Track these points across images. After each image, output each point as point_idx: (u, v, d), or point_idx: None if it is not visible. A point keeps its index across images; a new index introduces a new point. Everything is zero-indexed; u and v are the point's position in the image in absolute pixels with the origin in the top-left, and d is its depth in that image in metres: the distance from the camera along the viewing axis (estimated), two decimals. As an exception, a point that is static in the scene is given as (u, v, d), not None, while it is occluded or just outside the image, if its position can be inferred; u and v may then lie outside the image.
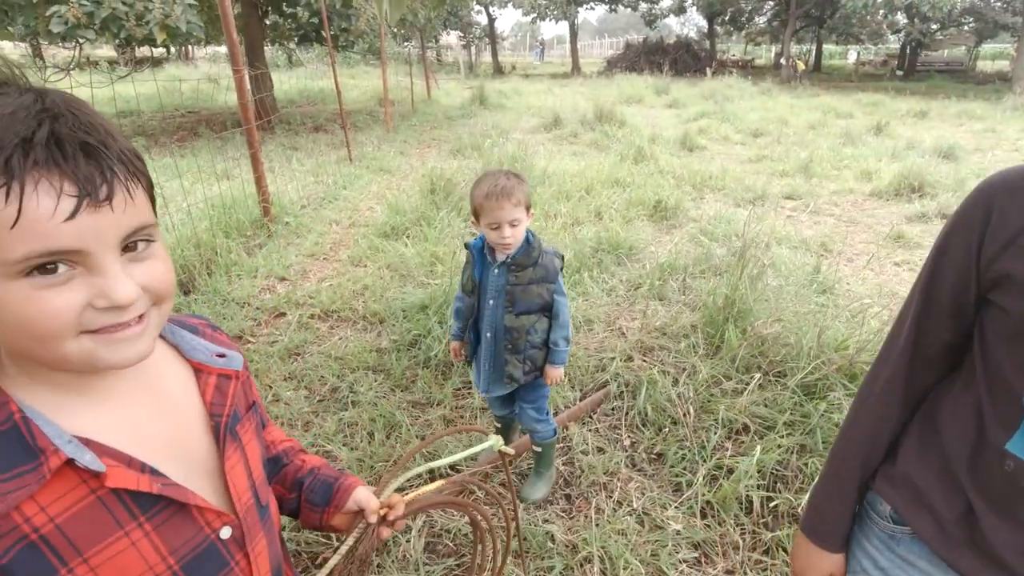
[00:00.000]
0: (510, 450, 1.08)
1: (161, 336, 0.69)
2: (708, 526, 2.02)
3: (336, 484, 0.87)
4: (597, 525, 2.01)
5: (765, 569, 1.87)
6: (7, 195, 0.46)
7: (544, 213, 5.06)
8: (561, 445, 2.41)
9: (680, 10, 33.78)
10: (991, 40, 30.12)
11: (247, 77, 4.49)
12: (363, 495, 0.86)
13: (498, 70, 30.19)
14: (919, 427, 0.90)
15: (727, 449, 2.31)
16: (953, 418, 0.83)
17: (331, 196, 5.83)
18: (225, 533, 0.65)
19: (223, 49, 22.38)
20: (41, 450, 0.52)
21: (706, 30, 33.31)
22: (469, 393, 2.71)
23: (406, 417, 2.51)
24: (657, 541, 1.95)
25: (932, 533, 0.85)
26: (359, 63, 25.27)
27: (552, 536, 1.96)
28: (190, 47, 26.10)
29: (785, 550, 1.91)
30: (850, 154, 8.06)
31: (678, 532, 1.99)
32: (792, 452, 2.23)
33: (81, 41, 7.45)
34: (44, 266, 0.49)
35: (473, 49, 35.96)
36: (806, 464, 2.18)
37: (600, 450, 2.38)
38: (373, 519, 0.84)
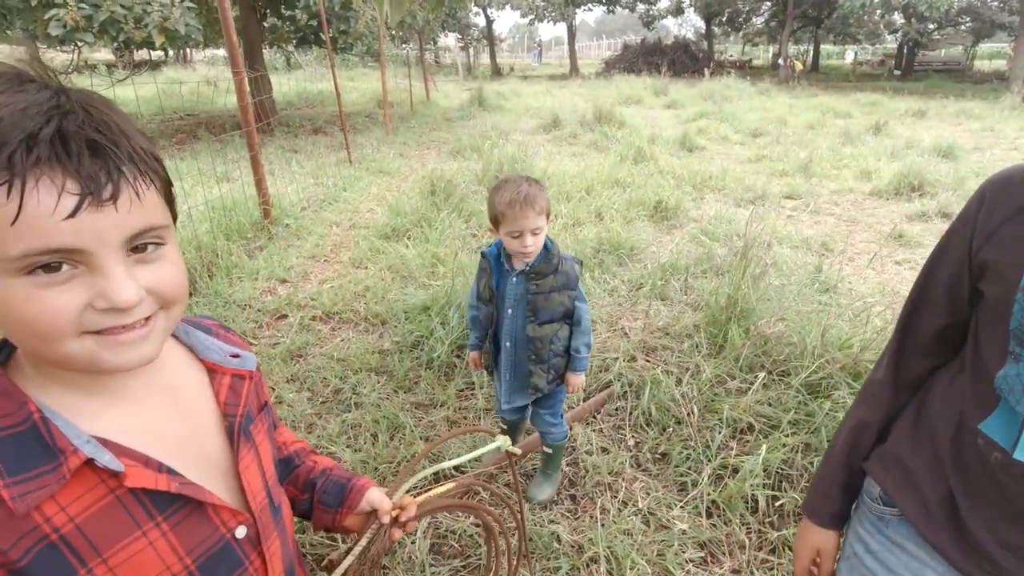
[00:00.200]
0: (517, 450, 1.07)
1: (175, 336, 0.69)
2: (714, 526, 2.01)
3: (349, 485, 0.87)
4: (603, 525, 2.01)
5: (772, 568, 1.86)
6: (8, 191, 0.45)
7: (545, 214, 5.05)
8: (565, 446, 2.40)
9: (678, 11, 33.84)
10: (988, 40, 30.22)
11: (246, 79, 4.48)
12: (376, 496, 0.86)
13: (496, 72, 30.21)
14: (914, 411, 0.93)
15: (732, 448, 2.31)
16: (944, 403, 0.86)
17: (331, 198, 5.83)
18: (240, 532, 0.65)
19: (221, 52, 22.39)
20: (60, 450, 0.52)
21: (704, 31, 33.37)
22: (472, 394, 2.71)
23: (409, 418, 2.51)
24: (663, 541, 1.95)
25: (918, 514, 0.87)
26: (357, 65, 25.28)
27: (558, 536, 1.96)
28: (188, 50, 26.11)
29: (791, 549, 1.90)
30: (849, 153, 8.07)
31: (684, 532, 1.99)
32: (797, 451, 2.23)
33: (80, 44, 7.46)
34: (48, 264, 0.48)
35: (471, 51, 36.01)
36: (811, 463, 2.18)
37: (604, 450, 2.37)
38: (386, 520, 0.84)
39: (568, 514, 2.09)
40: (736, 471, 2.18)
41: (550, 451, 2.14)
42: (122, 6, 6.79)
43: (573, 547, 1.93)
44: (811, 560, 1.05)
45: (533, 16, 31.20)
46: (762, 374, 2.56)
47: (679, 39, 31.37)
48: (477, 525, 2.01)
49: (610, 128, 9.29)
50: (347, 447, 2.36)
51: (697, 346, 2.90)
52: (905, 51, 27.24)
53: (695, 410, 2.47)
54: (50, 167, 0.46)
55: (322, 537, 1.93)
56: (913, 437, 0.91)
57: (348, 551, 0.83)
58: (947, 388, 0.87)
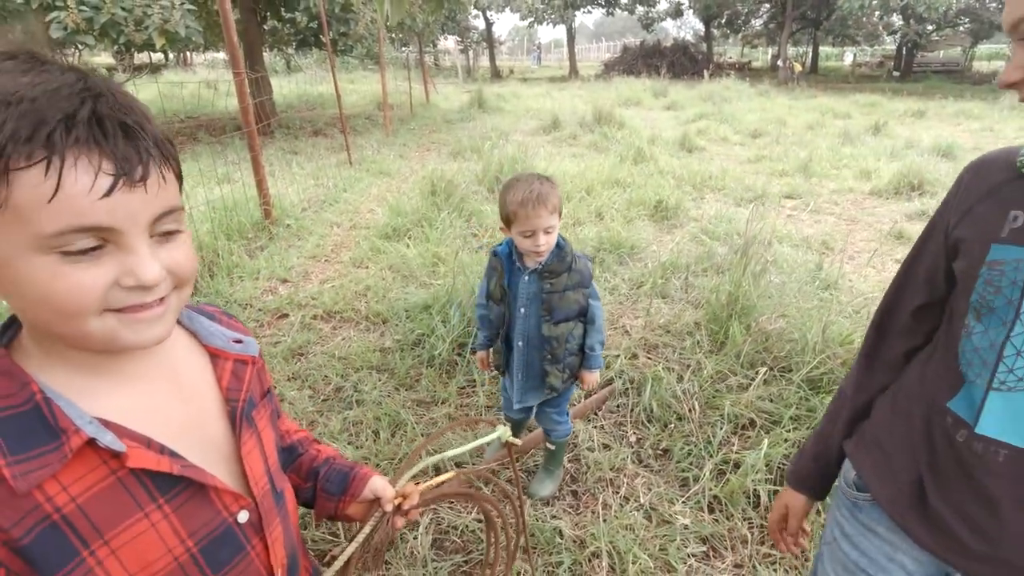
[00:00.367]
0: (517, 441, 1.08)
1: (178, 322, 0.69)
2: (716, 520, 2.01)
3: (352, 473, 0.87)
4: (604, 520, 2.01)
5: (774, 562, 1.86)
6: (47, 169, 0.46)
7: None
8: (568, 442, 2.40)
9: (677, 13, 33.93)
10: (987, 40, 30.26)
11: (246, 80, 4.49)
12: (379, 484, 0.86)
13: (496, 74, 30.28)
14: (892, 393, 0.96)
15: (733, 444, 2.31)
16: (920, 385, 0.89)
17: (332, 199, 5.83)
18: (243, 517, 0.65)
19: (221, 55, 22.44)
20: (62, 430, 0.52)
21: (703, 33, 33.44)
22: (473, 391, 2.71)
23: (411, 415, 2.51)
24: (665, 536, 1.95)
25: (888, 497, 0.90)
26: (357, 68, 25.33)
27: (560, 531, 1.96)
28: (188, 53, 26.16)
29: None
30: (849, 153, 8.08)
31: (686, 527, 1.98)
32: (798, 446, 2.22)
33: (80, 47, 7.47)
34: (78, 242, 0.49)
35: (471, 54, 36.08)
36: (813, 458, 2.17)
37: (606, 447, 2.37)
38: (389, 508, 0.84)
39: (570, 510, 2.09)
40: (738, 466, 2.18)
41: (553, 447, 2.14)
42: (123, 8, 6.81)
43: (575, 542, 1.93)
44: (781, 515, 1.14)
45: (532, 19, 31.27)
46: (763, 370, 2.56)
47: (678, 41, 31.44)
48: (479, 520, 2.01)
49: (610, 129, 9.30)
50: (348, 444, 2.37)
51: (698, 343, 2.90)
52: (904, 52, 27.29)
53: (696, 406, 2.47)
54: (87, 147, 0.48)
55: (324, 532, 1.94)
56: (890, 419, 0.94)
57: (352, 540, 0.83)
58: (923, 370, 0.90)
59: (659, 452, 2.35)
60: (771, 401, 2.46)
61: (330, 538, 1.92)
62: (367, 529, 0.82)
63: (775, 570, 1.83)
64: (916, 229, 5.04)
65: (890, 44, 31.13)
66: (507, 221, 1.77)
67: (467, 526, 1.99)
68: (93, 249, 0.50)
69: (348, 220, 5.29)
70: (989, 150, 0.85)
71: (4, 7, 6.89)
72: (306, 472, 0.88)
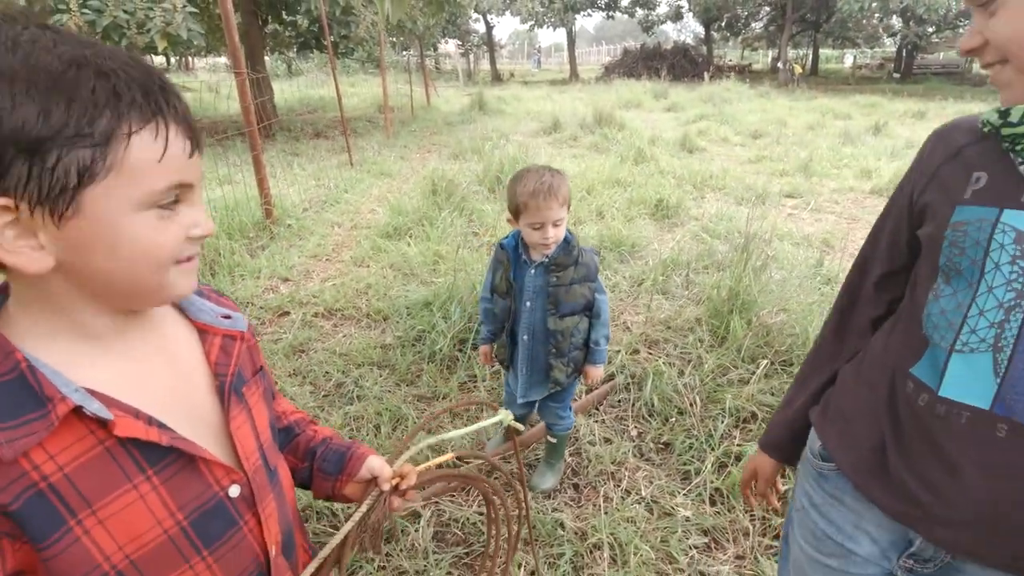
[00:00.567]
0: (519, 426, 1.07)
1: None
2: (718, 512, 2.01)
3: (349, 452, 0.86)
4: (606, 513, 2.01)
5: (775, 554, 1.85)
6: (156, 132, 0.52)
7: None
8: (569, 436, 2.40)
9: (677, 16, 34.03)
10: (987, 42, 30.19)
11: (247, 81, 4.51)
12: (376, 463, 0.86)
13: (496, 77, 30.36)
14: (857, 362, 0.97)
15: (735, 437, 2.31)
16: (884, 353, 0.90)
17: (333, 199, 5.84)
18: (234, 491, 0.64)
19: (223, 60, 22.51)
20: (48, 398, 0.51)
21: (703, 36, 33.51)
22: (474, 386, 2.71)
23: (412, 410, 2.51)
24: (667, 528, 1.94)
25: (851, 464, 0.91)
26: (358, 72, 25.40)
27: (562, 523, 1.95)
28: (190, 58, 26.26)
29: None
30: (849, 153, 8.09)
31: (687, 519, 1.98)
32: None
33: (83, 50, 7.47)
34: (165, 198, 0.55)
35: (471, 57, 36.17)
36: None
37: (607, 440, 2.37)
38: (386, 487, 0.83)
39: (571, 502, 2.09)
40: (739, 459, 2.17)
41: (554, 440, 2.14)
42: (125, 11, 6.83)
43: (576, 533, 1.93)
44: (750, 477, 1.18)
45: (533, 22, 31.37)
46: (764, 363, 2.56)
47: (678, 44, 31.52)
48: (480, 513, 2.01)
49: (610, 130, 9.31)
50: (350, 438, 2.36)
51: (700, 339, 2.90)
52: (904, 54, 27.33)
53: (697, 400, 2.47)
54: (175, 114, 0.54)
55: (325, 525, 1.93)
56: (854, 388, 0.95)
57: (349, 519, 0.82)
58: (887, 339, 0.91)
59: (660, 446, 2.35)
60: (772, 394, 2.46)
61: (330, 531, 1.92)
62: (363, 508, 0.81)
63: (776, 561, 1.83)
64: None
65: (890, 46, 31.18)
66: (516, 212, 1.76)
67: (468, 518, 1.98)
68: (173, 203, 0.56)
69: (349, 220, 5.30)
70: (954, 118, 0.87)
71: (5, 11, 6.91)
72: (303, 452, 0.87)
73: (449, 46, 36.69)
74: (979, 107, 13.20)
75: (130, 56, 0.52)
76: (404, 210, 5.03)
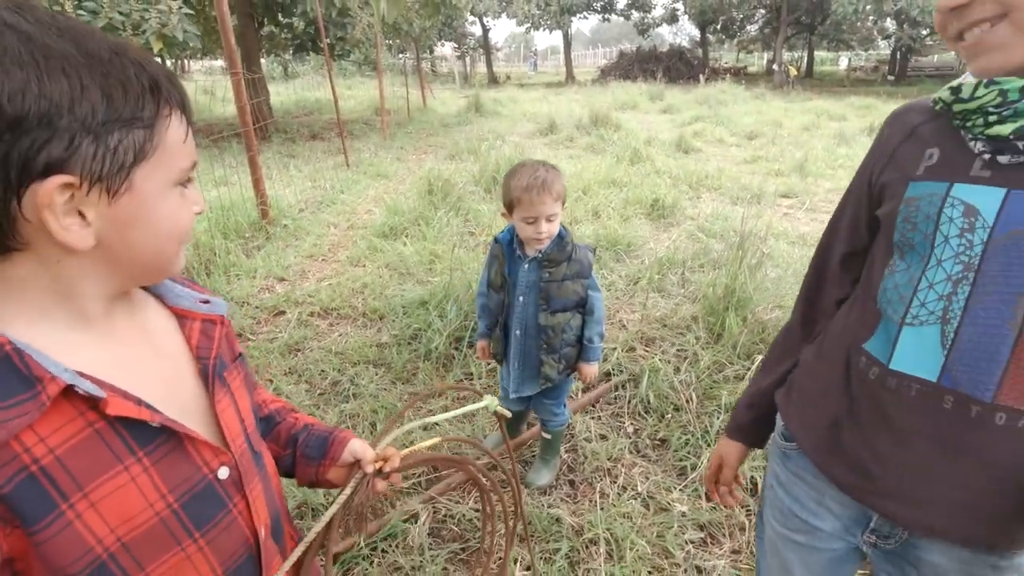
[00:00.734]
0: (506, 411, 1.06)
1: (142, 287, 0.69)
2: (714, 508, 2.00)
3: (331, 437, 0.86)
4: (602, 509, 2.00)
5: (772, 548, 1.86)
6: (180, 116, 0.57)
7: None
8: (564, 432, 2.40)
9: (672, 19, 34.14)
10: (980, 44, 30.36)
11: (243, 81, 4.50)
12: (359, 446, 0.86)
13: (493, 80, 30.41)
14: (818, 342, 0.98)
15: (731, 433, 2.31)
16: (842, 331, 0.92)
17: (329, 200, 5.84)
18: (223, 474, 0.64)
19: (219, 63, 22.50)
20: (38, 379, 0.51)
21: (698, 39, 33.62)
22: (470, 384, 2.70)
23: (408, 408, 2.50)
24: (663, 523, 1.94)
25: (810, 443, 0.93)
26: (354, 75, 25.41)
27: (558, 519, 1.95)
28: (186, 60, 26.25)
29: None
30: (845, 154, 8.12)
31: (683, 514, 1.98)
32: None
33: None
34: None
35: (468, 60, 36.21)
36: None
37: (603, 437, 2.37)
38: (369, 469, 0.83)
39: (567, 498, 2.09)
40: (750, 453, 2.17)
41: (549, 437, 2.13)
42: (120, 13, 6.83)
43: (573, 529, 1.93)
44: (717, 465, 1.17)
45: (529, 24, 31.43)
46: (759, 359, 2.56)
47: (674, 47, 31.63)
48: (476, 510, 2.00)
49: (606, 131, 9.33)
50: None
51: (696, 336, 2.90)
52: (898, 57, 27.45)
53: (693, 396, 2.47)
54: (183, 99, 0.58)
55: (311, 523, 1.92)
56: (814, 367, 0.96)
57: (333, 502, 0.82)
58: (845, 318, 0.92)
59: (657, 442, 2.35)
60: (768, 391, 2.46)
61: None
62: (348, 490, 0.81)
63: (773, 555, 1.83)
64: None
65: (884, 49, 31.34)
66: (510, 207, 1.76)
67: (464, 515, 1.98)
68: (187, 182, 0.61)
69: (345, 220, 5.29)
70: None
71: (1, 12, 6.90)
72: (285, 440, 0.87)
73: (445, 49, 36.71)
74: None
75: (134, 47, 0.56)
76: (400, 210, 5.03)
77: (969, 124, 0.73)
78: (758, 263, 3.16)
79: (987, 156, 0.72)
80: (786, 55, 29.96)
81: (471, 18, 30.20)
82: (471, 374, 2.75)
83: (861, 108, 14.03)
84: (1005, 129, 0.69)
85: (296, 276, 4.02)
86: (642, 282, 3.67)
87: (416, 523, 1.92)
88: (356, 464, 0.84)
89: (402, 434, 0.90)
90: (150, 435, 0.58)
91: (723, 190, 6.25)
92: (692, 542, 1.89)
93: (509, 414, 1.09)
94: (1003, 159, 0.71)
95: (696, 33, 34.85)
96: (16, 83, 0.46)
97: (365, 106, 14.33)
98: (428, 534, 1.90)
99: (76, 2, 6.42)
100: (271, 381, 2.72)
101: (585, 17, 33.05)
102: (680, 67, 27.43)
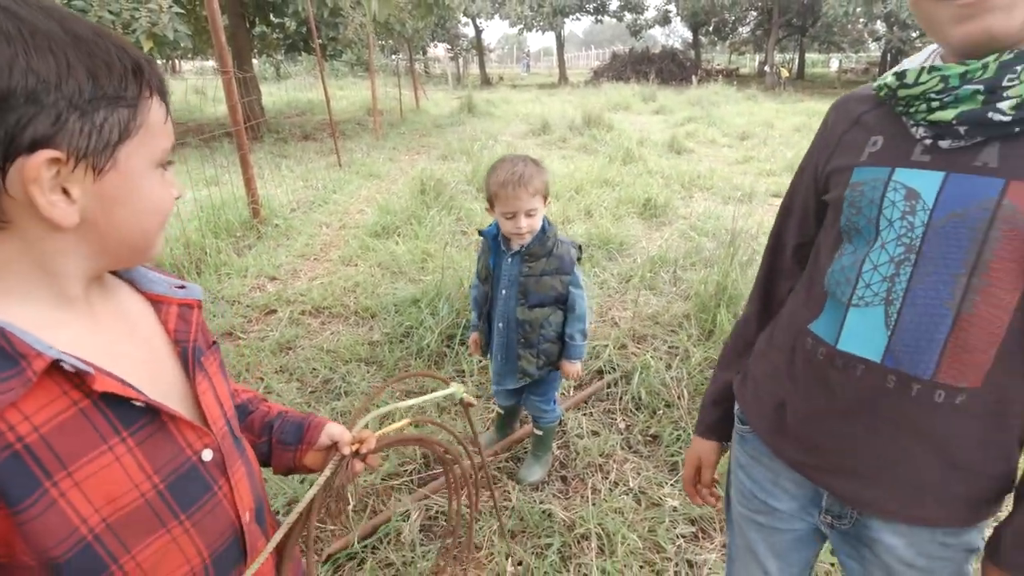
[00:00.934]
0: (472, 399, 1.08)
1: (114, 273, 0.68)
2: (705, 506, 2.01)
3: (307, 422, 0.87)
4: (594, 504, 2.00)
5: (763, 542, 1.86)
6: (160, 98, 0.59)
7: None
8: (556, 429, 2.40)
9: (665, 21, 34.28)
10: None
11: (234, 79, 4.48)
12: (336, 429, 0.86)
13: (486, 81, 30.41)
14: (769, 329, 1.01)
15: (722, 429, 2.31)
16: (790, 316, 0.94)
17: (321, 200, 5.82)
18: (207, 456, 0.64)
19: (210, 63, 22.39)
20: (22, 355, 0.50)
21: (691, 40, 33.77)
22: (462, 381, 2.70)
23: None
24: (654, 518, 1.95)
25: (762, 424, 0.95)
26: (347, 75, 25.36)
27: (550, 514, 1.95)
28: (177, 60, 26.13)
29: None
30: (835, 154, 8.16)
31: (675, 509, 1.98)
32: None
33: (67, 51, 7.40)
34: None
35: (461, 61, 36.21)
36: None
37: (595, 433, 2.37)
38: (347, 450, 0.83)
39: (559, 494, 2.09)
40: (726, 450, 2.18)
41: (540, 433, 2.13)
42: (110, 12, 6.78)
43: (565, 524, 1.93)
44: (695, 467, 1.17)
45: (522, 26, 31.46)
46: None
47: (667, 48, 31.71)
48: (468, 506, 2.00)
49: (599, 132, 9.36)
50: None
51: (688, 334, 2.91)
52: (889, 58, 27.65)
53: (685, 393, 2.48)
54: (161, 85, 0.60)
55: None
56: (765, 351, 0.98)
57: (313, 484, 0.82)
58: (793, 303, 0.94)
59: (648, 438, 2.36)
60: (759, 387, 2.47)
61: (317, 524, 1.91)
62: (327, 472, 0.82)
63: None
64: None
65: (875, 51, 31.57)
66: (490, 202, 1.78)
67: (456, 511, 1.97)
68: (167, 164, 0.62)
69: (337, 220, 5.28)
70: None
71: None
72: (259, 428, 0.87)
73: (438, 50, 36.72)
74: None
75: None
76: (392, 210, 5.02)
77: (912, 110, 0.74)
78: (749, 260, 3.17)
79: (928, 141, 0.74)
80: (778, 57, 30.15)
81: (464, 19, 30.21)
82: (463, 371, 2.75)
83: (852, 109, 14.11)
84: (948, 115, 0.70)
85: (288, 275, 4.00)
86: (634, 280, 3.68)
87: (408, 520, 1.92)
88: (333, 447, 0.84)
89: (376, 418, 0.91)
90: (134, 415, 0.57)
91: (715, 190, 6.27)
92: (683, 536, 1.89)
93: (474, 402, 1.11)
94: (944, 144, 0.72)
95: (688, 35, 35.02)
96: (4, 59, 0.46)
97: (357, 107, 14.30)
98: (419, 531, 1.90)
99: (64, 0, 6.38)
100: (262, 379, 2.71)
101: (578, 19, 33.14)
102: (673, 68, 27.51)
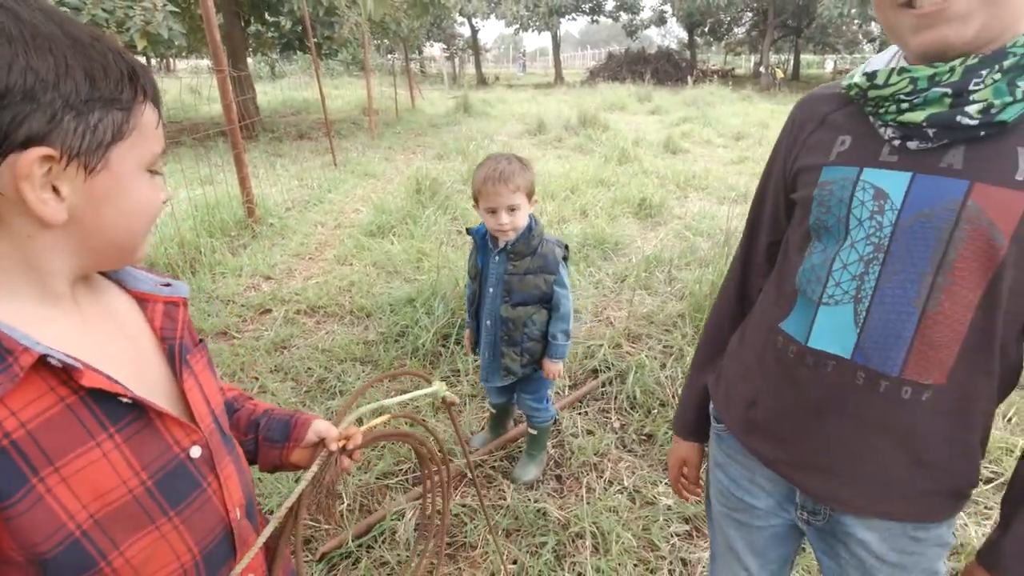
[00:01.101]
0: (454, 398, 1.09)
1: (102, 272, 0.68)
2: (699, 501, 2.01)
3: (293, 419, 0.87)
4: (588, 503, 2.01)
5: (756, 540, 1.87)
6: (153, 103, 0.60)
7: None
8: (550, 428, 2.40)
9: (660, 21, 34.33)
10: (962, 48, 30.81)
11: (229, 78, 4.47)
12: (322, 426, 0.87)
13: (482, 81, 30.39)
14: (742, 328, 1.01)
15: (716, 428, 2.32)
16: (761, 315, 0.95)
17: (316, 199, 5.81)
18: (195, 452, 0.64)
19: (205, 62, 22.31)
20: (8, 351, 0.50)
21: (686, 41, 33.83)
22: (457, 380, 2.70)
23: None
24: (648, 516, 1.95)
25: (735, 423, 0.97)
26: (342, 74, 25.30)
27: (544, 513, 1.96)
28: (171, 59, 26.01)
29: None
30: (829, 154, 8.19)
31: (669, 507, 1.99)
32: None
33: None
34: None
35: (457, 61, 36.19)
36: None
37: (590, 432, 2.38)
38: (334, 447, 0.84)
39: (554, 493, 2.09)
40: (720, 449, 2.19)
41: (534, 432, 2.14)
42: (104, 10, 6.75)
43: (559, 523, 1.93)
44: (679, 469, 1.18)
45: (518, 26, 31.46)
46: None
47: (662, 49, 31.75)
48: (463, 505, 2.00)
49: (595, 132, 9.37)
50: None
51: (683, 333, 2.92)
52: (883, 59, 27.74)
53: (679, 392, 2.48)
54: (155, 92, 0.61)
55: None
56: (736, 351, 0.99)
57: (301, 480, 0.82)
58: (763, 302, 0.95)
59: (643, 437, 2.36)
60: (753, 386, 2.48)
61: (313, 523, 1.91)
62: (315, 468, 0.82)
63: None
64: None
65: (869, 52, 31.68)
66: (475, 199, 1.81)
67: (451, 510, 1.97)
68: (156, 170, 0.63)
69: (333, 220, 5.27)
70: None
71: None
72: (245, 426, 0.87)
73: (434, 49, 36.66)
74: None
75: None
76: (388, 209, 5.02)
77: (882, 111, 0.75)
78: (743, 260, 3.18)
79: (896, 142, 0.75)
80: (773, 57, 30.25)
81: (460, 19, 30.19)
82: (458, 370, 2.75)
83: (846, 110, 14.16)
84: (918, 116, 0.71)
85: (282, 274, 3.99)
86: (629, 280, 3.69)
87: (403, 519, 1.92)
88: (320, 444, 0.85)
89: (365, 414, 0.92)
90: (121, 412, 0.58)
91: (710, 190, 6.29)
92: (677, 535, 1.90)
93: (457, 400, 1.12)
94: (912, 145, 0.73)
95: (684, 35, 35.06)
96: (4, 57, 0.47)
97: (353, 106, 14.27)
98: (415, 529, 1.90)
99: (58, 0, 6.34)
100: (257, 378, 2.70)
101: (574, 19, 33.13)
102: (668, 69, 27.55)
